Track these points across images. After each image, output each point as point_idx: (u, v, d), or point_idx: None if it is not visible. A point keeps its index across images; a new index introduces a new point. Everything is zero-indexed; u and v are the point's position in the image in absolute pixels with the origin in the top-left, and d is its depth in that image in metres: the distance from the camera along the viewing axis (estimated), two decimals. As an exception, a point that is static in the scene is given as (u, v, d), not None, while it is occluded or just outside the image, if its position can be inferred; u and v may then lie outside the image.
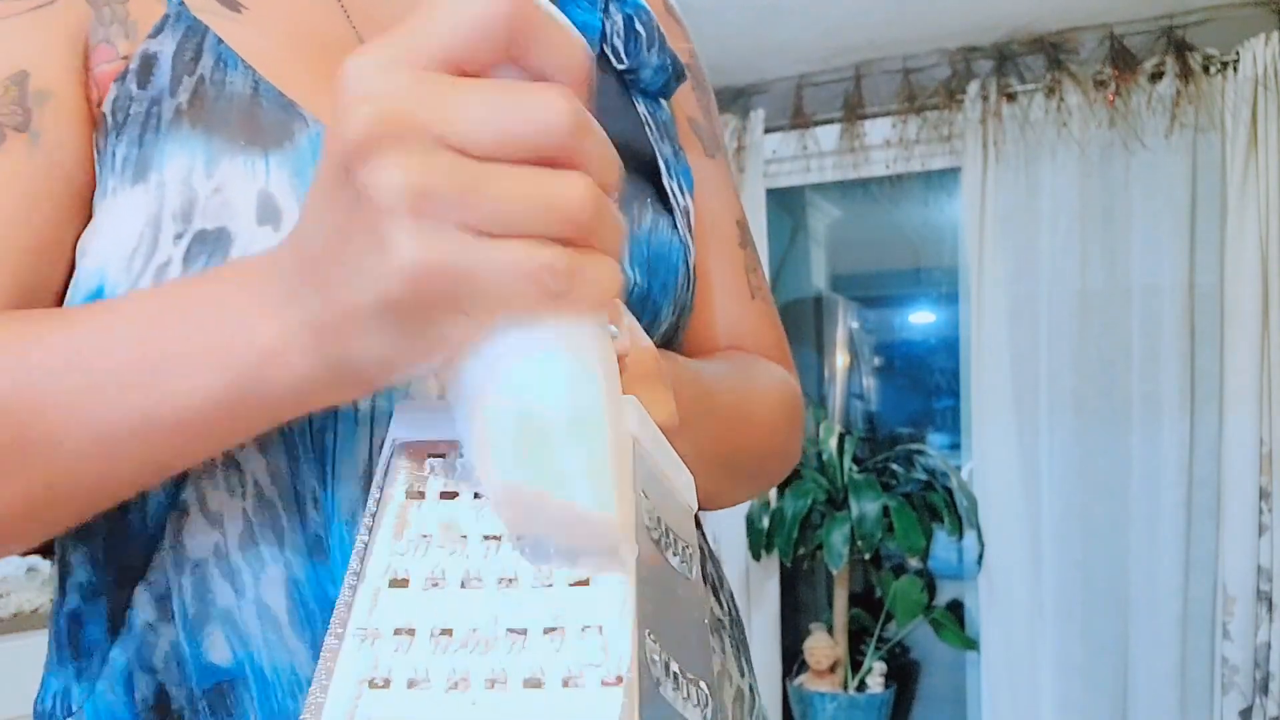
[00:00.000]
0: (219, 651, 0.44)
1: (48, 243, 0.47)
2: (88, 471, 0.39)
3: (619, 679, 0.29)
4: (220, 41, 0.48)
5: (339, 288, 0.32)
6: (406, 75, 0.30)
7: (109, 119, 0.47)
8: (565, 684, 0.29)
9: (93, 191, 0.48)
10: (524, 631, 0.31)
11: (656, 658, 0.31)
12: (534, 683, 0.30)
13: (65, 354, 0.38)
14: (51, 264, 0.47)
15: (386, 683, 0.30)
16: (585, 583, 0.31)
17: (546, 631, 0.31)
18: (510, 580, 0.32)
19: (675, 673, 0.32)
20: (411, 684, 0.30)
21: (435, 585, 0.32)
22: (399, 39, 0.31)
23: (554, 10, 0.32)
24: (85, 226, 0.48)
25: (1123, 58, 2.59)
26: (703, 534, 0.61)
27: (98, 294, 0.45)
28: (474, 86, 0.30)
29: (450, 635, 0.31)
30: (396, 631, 0.31)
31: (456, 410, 0.33)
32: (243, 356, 0.35)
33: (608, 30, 0.60)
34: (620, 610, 0.30)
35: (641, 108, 0.62)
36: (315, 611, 0.44)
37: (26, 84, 0.47)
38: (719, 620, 0.58)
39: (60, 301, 0.49)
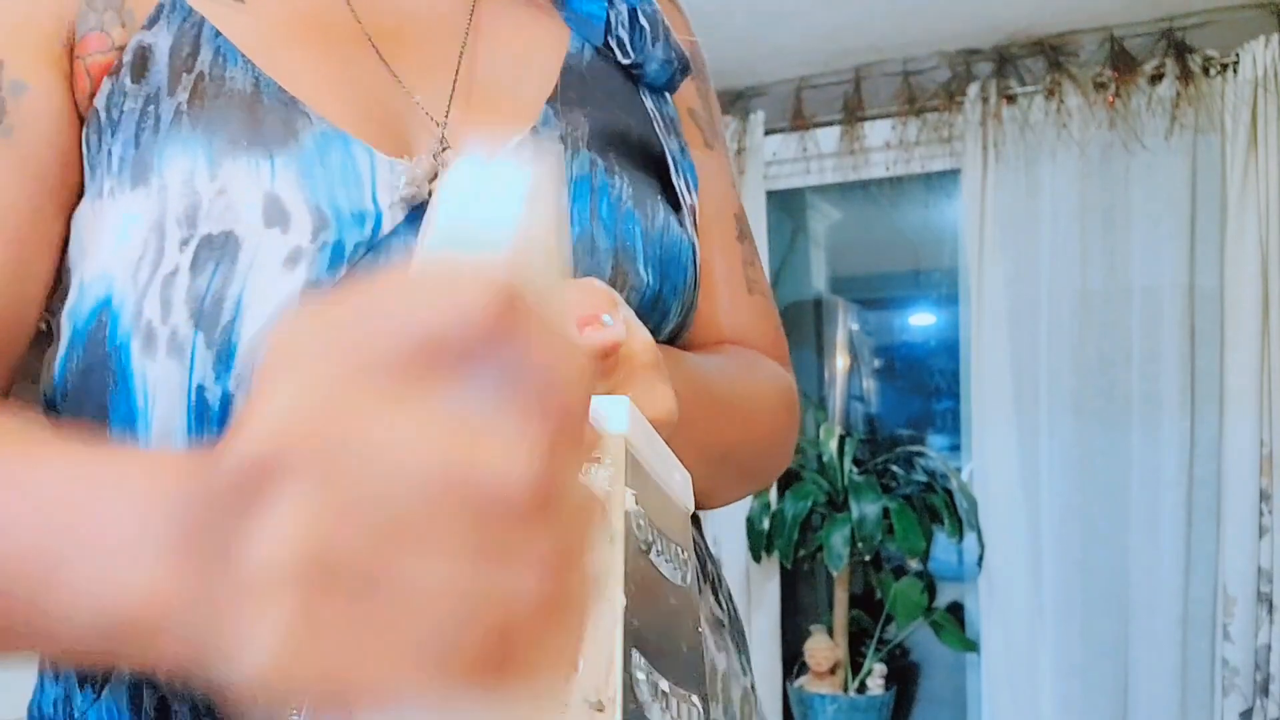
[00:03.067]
0: None
1: (24, 239, 0.45)
2: None
3: (601, 705, 0.28)
4: (218, 34, 0.47)
5: (214, 591, 0.25)
6: (345, 365, 0.23)
7: (103, 115, 0.46)
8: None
9: (72, 187, 0.47)
10: None
11: (643, 677, 0.30)
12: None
13: None
14: (29, 260, 0.46)
15: None
16: None
17: None
18: None
19: (664, 691, 0.31)
20: None
21: None
22: (356, 304, 0.24)
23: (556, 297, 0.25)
24: (67, 224, 0.47)
25: (1123, 60, 2.59)
26: (701, 533, 0.61)
27: (105, 303, 0.44)
28: (412, 425, 0.22)
29: None
30: None
31: None
32: (112, 608, 0.29)
33: (613, 22, 0.59)
34: (606, 635, 0.29)
35: (649, 102, 0.61)
36: None
37: (0, 74, 0.45)
38: (718, 620, 0.57)
39: (46, 297, 0.47)
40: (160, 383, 0.44)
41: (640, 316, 0.46)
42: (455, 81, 0.54)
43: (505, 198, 0.27)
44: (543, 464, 0.22)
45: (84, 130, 0.47)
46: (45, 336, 0.49)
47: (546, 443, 0.23)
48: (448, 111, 0.52)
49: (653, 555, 0.34)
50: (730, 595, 0.61)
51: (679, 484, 0.40)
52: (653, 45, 0.59)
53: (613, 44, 0.59)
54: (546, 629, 0.23)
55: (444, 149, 0.50)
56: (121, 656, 0.32)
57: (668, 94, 0.63)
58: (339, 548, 0.22)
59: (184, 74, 0.46)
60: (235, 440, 0.23)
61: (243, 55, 0.47)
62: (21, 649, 0.34)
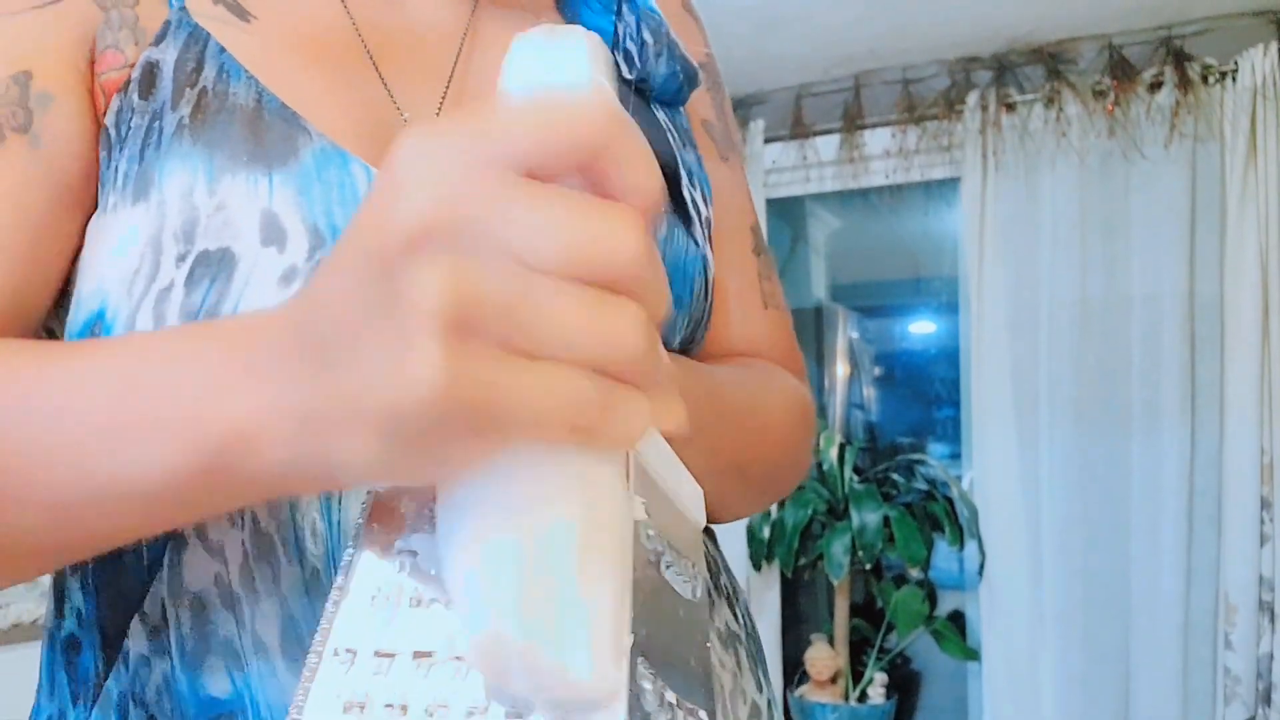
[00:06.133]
0: (218, 684, 0.42)
1: (43, 248, 0.45)
2: (37, 535, 0.37)
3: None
4: (223, 50, 0.47)
5: (341, 382, 0.28)
6: (473, 167, 0.26)
7: (112, 132, 0.46)
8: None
9: (92, 198, 0.47)
10: None
11: (650, 687, 0.30)
12: (517, 713, 0.29)
13: (28, 405, 0.36)
14: (46, 269, 0.46)
15: (363, 707, 0.29)
16: None
17: None
18: None
19: (671, 703, 0.31)
20: (389, 707, 0.29)
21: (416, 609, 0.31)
22: (470, 124, 0.27)
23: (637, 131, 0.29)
24: (83, 234, 0.47)
25: (1122, 68, 2.60)
26: (716, 546, 0.60)
27: (99, 317, 0.44)
28: (545, 194, 0.26)
29: (431, 657, 0.30)
30: (377, 654, 0.30)
31: (442, 528, 0.30)
32: (211, 433, 0.32)
33: (620, 35, 0.59)
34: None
35: (661, 114, 0.60)
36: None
37: (29, 85, 0.46)
38: (734, 634, 0.56)
39: (54, 309, 0.48)
40: None
41: None
42: (444, 97, 0.54)
43: (573, 61, 0.31)
44: (645, 232, 0.27)
45: (98, 146, 0.47)
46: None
47: (642, 221, 0.27)
48: None
49: (661, 567, 0.34)
50: (748, 609, 0.60)
51: (690, 497, 0.40)
52: (655, 59, 0.59)
53: (619, 58, 0.59)
54: (630, 388, 0.28)
55: None
56: (208, 496, 0.34)
57: (680, 106, 0.63)
58: (491, 286, 0.25)
59: (187, 88, 0.46)
60: (387, 209, 0.26)
61: (246, 71, 0.47)
62: (90, 520, 0.36)
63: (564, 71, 0.31)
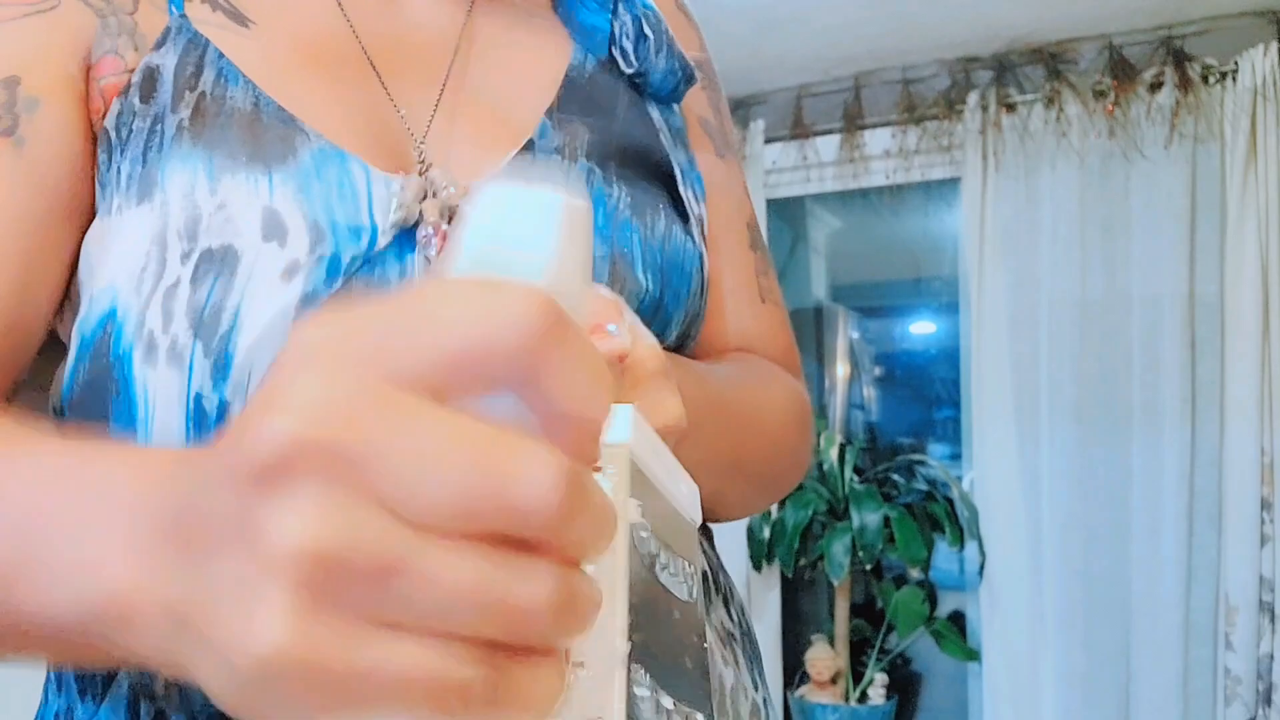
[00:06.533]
0: None
1: (32, 247, 0.46)
2: None
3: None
4: (221, 56, 0.48)
5: (197, 597, 0.24)
6: (366, 382, 0.22)
7: (113, 135, 0.47)
8: None
9: (85, 204, 0.48)
10: None
11: (646, 694, 0.30)
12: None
13: None
14: (37, 268, 0.46)
15: None
16: None
17: None
18: None
19: (667, 709, 0.31)
20: None
21: None
22: (380, 320, 0.23)
23: (584, 338, 0.25)
24: (79, 239, 0.48)
25: (1122, 68, 2.60)
26: (712, 546, 0.60)
27: (110, 315, 0.45)
28: (442, 426, 0.22)
29: None
30: None
31: None
32: (92, 595, 0.29)
33: (616, 32, 0.59)
34: (609, 649, 0.29)
35: (655, 113, 0.61)
36: None
37: (16, 89, 0.47)
38: (729, 633, 0.56)
39: (54, 308, 0.48)
40: (160, 391, 0.44)
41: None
42: (440, 97, 0.54)
43: (540, 224, 0.27)
44: (571, 479, 0.23)
45: (96, 150, 0.48)
46: (60, 349, 0.50)
47: (568, 460, 0.23)
48: (428, 127, 0.53)
49: (657, 569, 0.34)
50: (743, 608, 0.61)
51: (686, 496, 0.39)
52: (655, 55, 0.59)
53: (616, 54, 0.59)
54: (533, 659, 0.24)
55: (426, 166, 0.51)
56: (94, 651, 0.31)
57: (674, 105, 0.63)
58: (360, 544, 0.21)
59: (187, 92, 0.47)
60: (253, 427, 0.22)
61: (244, 76, 0.48)
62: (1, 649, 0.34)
63: (524, 243, 0.26)
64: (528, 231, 0.26)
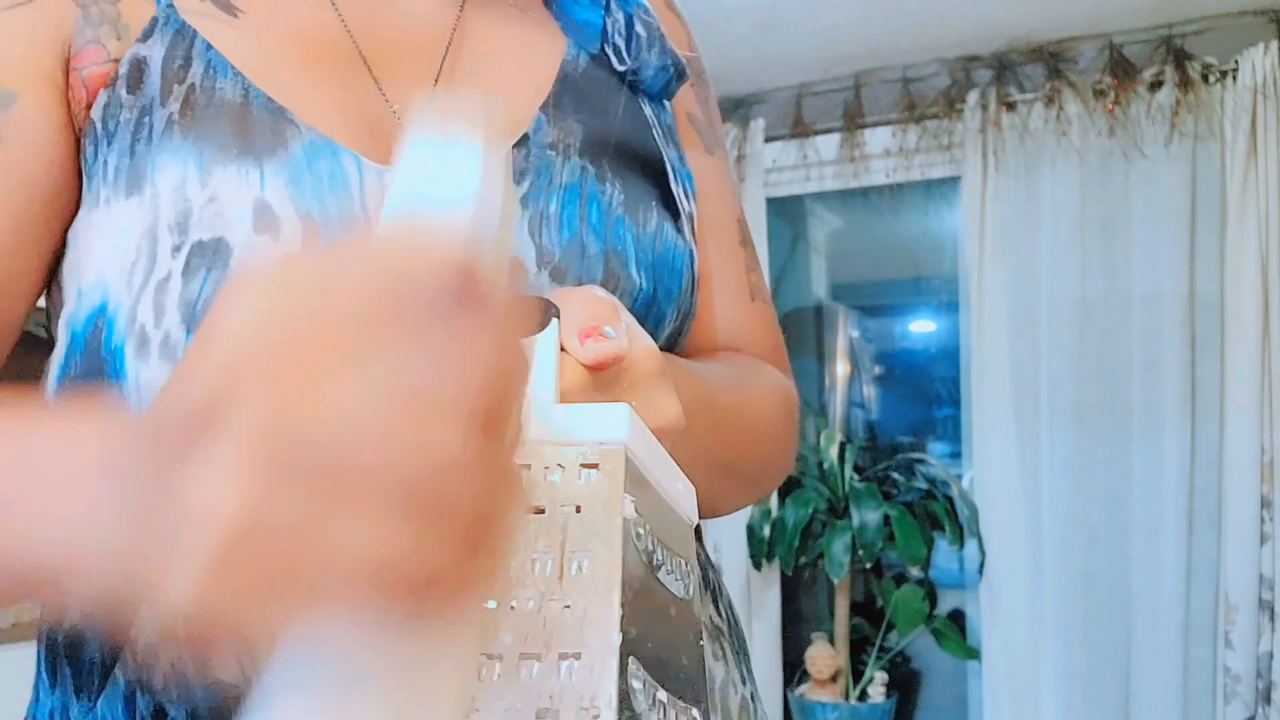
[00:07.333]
0: (226, 671, 0.43)
1: (7, 241, 0.46)
2: None
3: (596, 713, 0.28)
4: (209, 47, 0.48)
5: (168, 479, 0.25)
6: (293, 325, 0.24)
7: (99, 126, 0.47)
8: (539, 716, 0.29)
9: (65, 197, 0.47)
10: (499, 657, 0.30)
11: (641, 687, 0.30)
12: (512, 710, 0.29)
13: None
14: (13, 262, 0.46)
15: None
16: (568, 608, 0.30)
17: (524, 658, 0.29)
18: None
19: (663, 702, 0.31)
20: None
21: None
22: (309, 265, 0.25)
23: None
24: (59, 233, 0.47)
25: (1122, 67, 2.60)
26: (702, 542, 0.60)
27: (101, 309, 0.45)
28: (362, 374, 0.23)
29: None
30: None
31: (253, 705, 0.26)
32: (44, 552, 0.30)
33: (609, 29, 0.59)
34: (604, 641, 0.29)
35: (648, 110, 0.61)
36: None
37: None
38: (717, 629, 0.57)
39: (33, 302, 0.48)
40: (152, 385, 0.45)
41: None
42: (433, 89, 0.54)
43: (461, 172, 0.28)
44: (473, 440, 0.24)
45: (81, 141, 0.48)
46: (47, 343, 0.49)
47: (479, 419, 0.24)
48: None
49: (653, 565, 0.34)
50: (731, 604, 0.61)
51: (682, 495, 0.40)
52: (648, 51, 0.59)
53: (609, 51, 0.59)
54: (460, 586, 0.25)
55: None
56: (52, 600, 0.32)
57: (666, 101, 0.63)
58: (272, 503, 0.23)
59: (175, 85, 0.47)
60: (182, 381, 0.24)
61: (232, 67, 0.48)
62: None
63: (449, 191, 0.28)
64: (447, 178, 0.28)
